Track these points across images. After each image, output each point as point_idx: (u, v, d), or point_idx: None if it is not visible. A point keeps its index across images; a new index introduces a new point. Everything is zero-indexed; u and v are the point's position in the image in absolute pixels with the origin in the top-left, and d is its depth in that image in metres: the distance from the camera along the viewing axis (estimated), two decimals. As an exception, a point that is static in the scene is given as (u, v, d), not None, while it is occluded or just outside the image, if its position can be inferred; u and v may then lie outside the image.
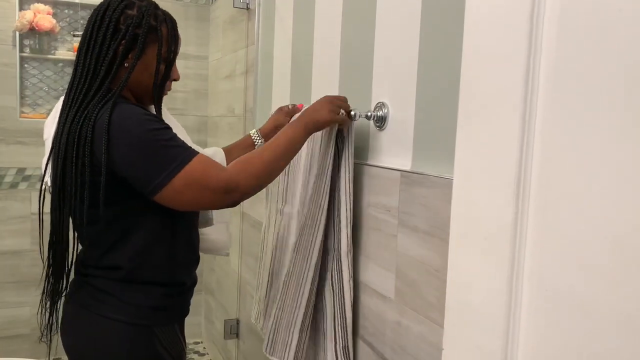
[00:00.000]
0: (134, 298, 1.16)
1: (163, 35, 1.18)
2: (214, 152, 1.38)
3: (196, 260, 1.29)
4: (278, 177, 1.31)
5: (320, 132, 1.23)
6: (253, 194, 1.12)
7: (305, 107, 1.25)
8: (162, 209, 1.11)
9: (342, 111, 1.19)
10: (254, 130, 1.48)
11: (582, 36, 0.52)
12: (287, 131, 1.16)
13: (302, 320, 1.26)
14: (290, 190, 1.34)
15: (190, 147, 1.10)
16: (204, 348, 3.07)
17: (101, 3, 1.17)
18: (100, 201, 1.07)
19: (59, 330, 1.23)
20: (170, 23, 1.21)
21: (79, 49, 1.16)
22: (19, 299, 2.78)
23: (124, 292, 1.16)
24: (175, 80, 1.27)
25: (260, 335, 2.05)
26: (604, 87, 0.50)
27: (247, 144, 1.47)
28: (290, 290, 1.28)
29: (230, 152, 1.43)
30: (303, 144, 1.18)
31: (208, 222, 1.34)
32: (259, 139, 1.46)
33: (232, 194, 1.08)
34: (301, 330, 1.27)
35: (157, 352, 1.18)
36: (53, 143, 1.14)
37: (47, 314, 1.21)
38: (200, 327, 3.15)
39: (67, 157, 1.09)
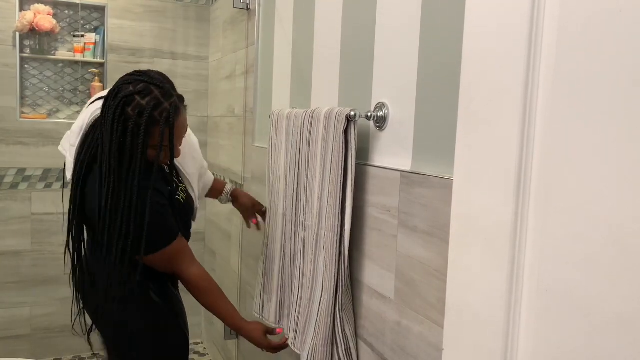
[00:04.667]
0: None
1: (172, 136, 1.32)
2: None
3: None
4: (296, 189, 1.43)
5: (331, 141, 1.24)
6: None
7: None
8: None
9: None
10: (231, 186, 1.85)
11: (582, 37, 0.52)
12: (239, 324, 1.50)
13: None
14: (310, 203, 1.34)
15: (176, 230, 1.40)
16: (204, 349, 3.07)
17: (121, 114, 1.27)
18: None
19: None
20: (175, 118, 1.32)
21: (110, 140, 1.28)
22: (19, 300, 2.78)
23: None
24: (174, 157, 1.40)
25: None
26: (604, 87, 0.50)
27: (219, 187, 1.82)
28: (324, 302, 1.28)
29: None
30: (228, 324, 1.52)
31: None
32: (227, 194, 1.84)
33: (182, 277, 1.44)
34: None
35: (153, 301, 1.46)
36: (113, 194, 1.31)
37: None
38: (200, 327, 3.15)
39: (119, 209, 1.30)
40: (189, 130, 1.56)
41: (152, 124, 1.27)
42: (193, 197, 1.54)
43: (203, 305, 1.48)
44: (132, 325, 1.45)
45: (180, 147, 1.41)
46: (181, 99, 1.37)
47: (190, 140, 1.59)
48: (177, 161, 1.51)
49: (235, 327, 1.49)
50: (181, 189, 1.48)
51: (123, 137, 1.27)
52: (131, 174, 1.27)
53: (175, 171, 1.51)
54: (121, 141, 1.27)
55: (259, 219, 1.86)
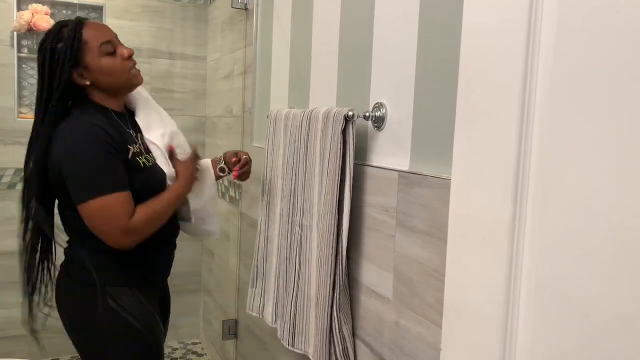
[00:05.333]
0: (81, 260, 1.38)
1: (87, 40, 1.33)
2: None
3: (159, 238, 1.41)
4: (293, 189, 1.41)
5: (329, 141, 1.23)
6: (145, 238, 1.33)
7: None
8: None
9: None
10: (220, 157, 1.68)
11: (579, 35, 0.52)
12: (177, 191, 1.39)
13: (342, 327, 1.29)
14: (308, 203, 1.34)
15: (120, 182, 1.29)
16: (202, 349, 3.07)
17: (41, 54, 1.34)
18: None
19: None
20: (81, 25, 1.34)
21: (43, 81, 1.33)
22: (17, 300, 2.77)
23: (76, 256, 1.41)
24: (130, 56, 1.39)
25: (258, 334, 2.05)
26: (602, 85, 0.50)
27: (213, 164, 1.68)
28: (321, 302, 1.27)
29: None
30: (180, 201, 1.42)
31: (186, 220, 1.56)
32: (221, 162, 1.66)
33: (130, 237, 1.30)
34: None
35: (109, 307, 1.36)
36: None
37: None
38: (198, 327, 3.15)
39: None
40: (146, 94, 1.54)
41: (61, 41, 1.31)
42: (166, 172, 1.42)
43: (161, 224, 1.36)
44: (94, 332, 1.38)
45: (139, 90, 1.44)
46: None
47: (155, 106, 1.56)
48: (143, 128, 1.45)
49: (182, 192, 1.40)
50: (146, 157, 1.39)
51: (49, 71, 1.31)
52: (54, 97, 1.31)
53: (142, 140, 1.44)
54: (49, 76, 1.31)
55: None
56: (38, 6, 2.62)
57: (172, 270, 1.61)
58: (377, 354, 1.20)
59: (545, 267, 0.56)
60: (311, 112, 1.33)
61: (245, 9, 2.24)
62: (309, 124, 1.33)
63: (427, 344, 1.04)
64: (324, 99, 1.49)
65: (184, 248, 3.30)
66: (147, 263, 1.46)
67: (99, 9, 2.80)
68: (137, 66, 1.41)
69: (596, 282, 0.51)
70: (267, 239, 1.58)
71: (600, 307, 0.50)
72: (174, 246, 1.57)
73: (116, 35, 1.40)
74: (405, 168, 1.11)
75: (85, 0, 2.76)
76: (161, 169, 1.41)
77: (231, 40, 2.52)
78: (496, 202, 0.61)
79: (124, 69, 1.37)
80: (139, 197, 1.33)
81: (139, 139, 1.43)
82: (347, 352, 1.27)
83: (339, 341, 1.26)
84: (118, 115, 1.41)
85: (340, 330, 1.26)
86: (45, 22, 2.61)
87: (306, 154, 1.35)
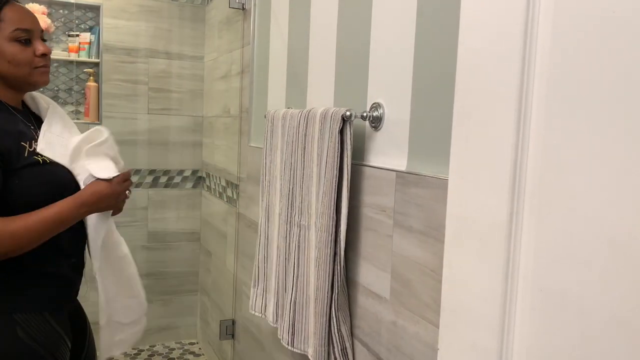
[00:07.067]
0: None
1: (3, 18, 1.22)
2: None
3: (57, 251, 1.28)
4: (291, 189, 1.39)
5: (327, 141, 1.23)
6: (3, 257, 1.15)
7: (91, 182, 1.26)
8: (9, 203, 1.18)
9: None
10: None
11: (576, 37, 0.53)
12: (60, 208, 1.20)
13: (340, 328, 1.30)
14: (306, 203, 1.34)
15: None
16: (200, 349, 3.07)
17: None
18: None
19: None
20: (5, 3, 1.23)
21: None
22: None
23: None
24: (44, 54, 1.28)
25: (255, 335, 2.05)
26: (599, 87, 0.50)
27: None
28: (319, 302, 1.27)
29: None
30: (74, 221, 1.23)
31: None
32: None
33: None
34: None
35: (18, 339, 1.20)
36: None
37: None
38: (195, 327, 3.15)
39: None
40: (56, 107, 1.39)
41: None
42: (73, 171, 1.30)
43: (28, 245, 1.17)
44: None
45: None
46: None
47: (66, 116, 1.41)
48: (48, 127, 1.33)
49: (73, 214, 1.21)
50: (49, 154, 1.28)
51: None
52: None
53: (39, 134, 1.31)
54: None
55: None
56: (35, 6, 2.62)
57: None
58: (375, 353, 1.20)
59: (542, 267, 0.56)
60: (309, 112, 1.33)
61: (243, 8, 2.23)
62: (307, 124, 1.33)
63: (424, 343, 1.04)
64: (322, 99, 1.49)
65: (181, 248, 3.31)
66: (62, 282, 1.31)
67: (96, 9, 2.80)
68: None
69: (592, 282, 0.51)
70: (267, 239, 1.58)
71: (596, 307, 0.50)
72: (80, 262, 1.37)
73: (42, 31, 1.29)
74: (403, 168, 1.11)
75: (83, 0, 2.75)
76: (65, 169, 1.28)
77: (228, 40, 2.52)
78: (493, 203, 0.61)
79: (28, 63, 1.25)
80: (39, 193, 1.22)
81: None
82: (346, 351, 1.27)
83: (338, 341, 1.26)
84: (13, 108, 1.28)
85: (339, 330, 1.26)
86: (42, 21, 2.60)
87: (304, 154, 1.35)
